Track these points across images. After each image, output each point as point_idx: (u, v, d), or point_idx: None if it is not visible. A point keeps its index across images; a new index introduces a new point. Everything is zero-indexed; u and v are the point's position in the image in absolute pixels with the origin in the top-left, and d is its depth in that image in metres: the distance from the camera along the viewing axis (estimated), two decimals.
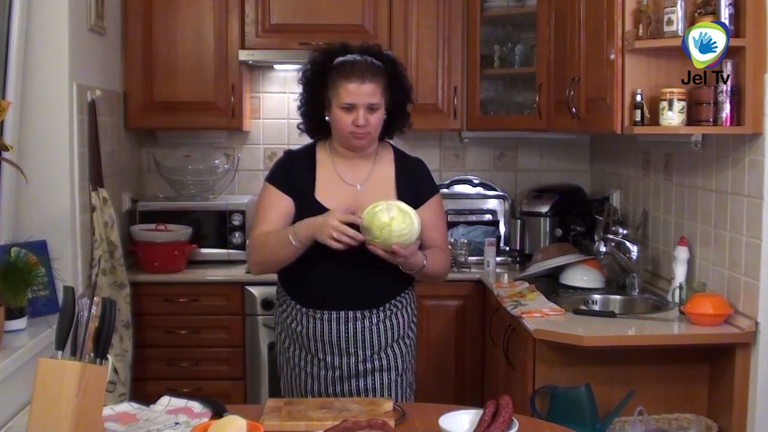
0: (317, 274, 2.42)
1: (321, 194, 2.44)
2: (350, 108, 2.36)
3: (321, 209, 2.38)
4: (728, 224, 2.73)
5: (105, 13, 3.44)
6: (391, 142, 2.62)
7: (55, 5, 2.92)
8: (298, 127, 2.57)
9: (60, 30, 2.94)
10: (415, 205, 2.38)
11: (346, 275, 2.40)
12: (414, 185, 2.50)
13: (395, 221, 2.19)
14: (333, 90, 2.38)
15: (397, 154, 2.55)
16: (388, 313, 2.48)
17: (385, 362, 2.48)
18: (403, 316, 2.52)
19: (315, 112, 2.47)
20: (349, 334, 2.44)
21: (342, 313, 2.43)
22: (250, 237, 2.53)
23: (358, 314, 2.44)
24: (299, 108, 2.53)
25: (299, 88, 2.52)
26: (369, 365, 2.46)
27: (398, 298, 2.51)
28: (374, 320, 2.45)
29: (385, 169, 2.51)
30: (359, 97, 2.34)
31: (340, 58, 2.40)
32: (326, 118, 2.45)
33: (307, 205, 2.42)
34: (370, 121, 2.38)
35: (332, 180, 2.47)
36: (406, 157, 2.58)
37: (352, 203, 2.40)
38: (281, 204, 2.45)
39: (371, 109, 2.37)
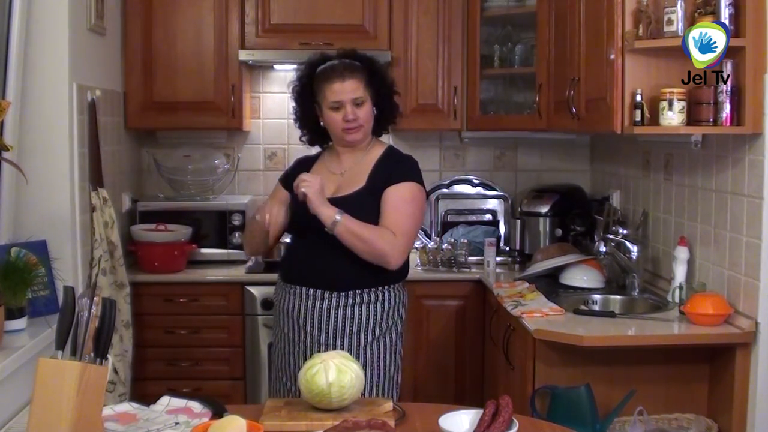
0: (295, 250, 2.68)
1: None
2: (338, 106, 2.58)
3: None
4: (728, 224, 2.73)
5: (105, 13, 3.44)
6: (390, 142, 2.76)
7: (55, 5, 2.92)
8: (300, 140, 2.80)
9: (60, 30, 2.94)
10: (383, 187, 2.57)
11: (317, 254, 2.58)
12: (388, 171, 2.62)
13: (333, 387, 1.97)
14: (320, 95, 2.61)
15: (387, 151, 2.71)
16: (350, 301, 2.59)
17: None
18: (369, 310, 2.60)
19: (310, 122, 2.69)
20: (308, 312, 2.60)
21: (310, 291, 2.60)
22: None
23: (326, 294, 2.59)
24: (296, 121, 2.75)
25: (292, 104, 2.75)
26: (323, 350, 2.52)
27: (368, 290, 2.60)
28: (333, 303, 2.59)
29: (370, 160, 2.66)
30: (343, 94, 2.57)
31: (321, 67, 2.63)
32: (321, 124, 2.66)
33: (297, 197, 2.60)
34: (359, 114, 2.58)
35: (321, 173, 2.65)
36: (395, 152, 2.74)
37: (332, 187, 2.62)
38: (278, 195, 2.73)
39: (357, 103, 2.58)
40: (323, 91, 2.59)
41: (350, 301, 2.59)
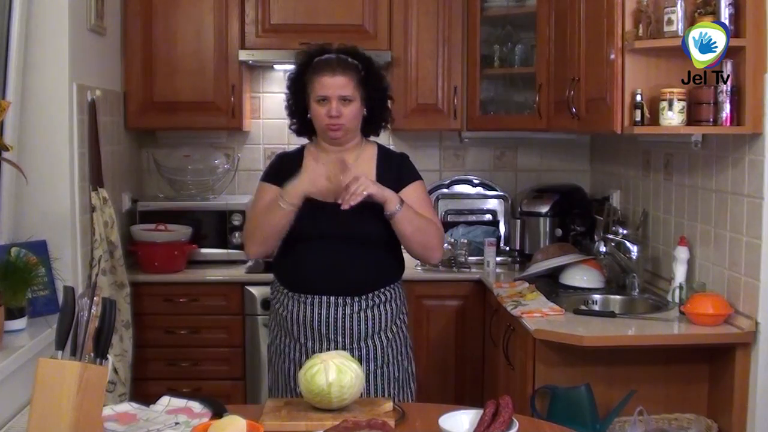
0: (303, 258, 2.53)
1: None
2: (324, 100, 2.51)
3: (306, 200, 2.49)
4: (728, 224, 2.73)
5: (105, 13, 3.44)
6: (378, 141, 2.71)
7: (55, 5, 2.92)
8: (290, 128, 2.70)
9: (60, 30, 2.94)
10: (397, 189, 2.51)
11: (332, 262, 2.51)
12: (394, 173, 2.59)
13: (333, 387, 1.97)
14: (310, 87, 2.54)
15: (380, 150, 2.67)
16: (370, 303, 2.55)
17: (364, 352, 2.54)
18: (386, 309, 2.58)
19: (299, 112, 2.62)
20: (329, 320, 2.52)
21: (324, 298, 2.52)
22: (245, 226, 2.71)
23: (340, 300, 2.52)
24: (287, 109, 2.67)
25: (286, 92, 2.65)
26: (348, 354, 2.46)
27: (382, 290, 2.58)
28: (355, 308, 2.53)
29: (367, 162, 2.62)
30: (331, 89, 2.50)
31: (318, 58, 2.56)
32: (309, 116, 2.59)
33: None
34: (343, 113, 2.51)
35: (316, 173, 2.53)
36: (389, 152, 2.70)
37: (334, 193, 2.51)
38: (270, 194, 2.55)
39: (344, 101, 2.51)
40: (313, 83, 2.52)
41: (370, 303, 2.54)
